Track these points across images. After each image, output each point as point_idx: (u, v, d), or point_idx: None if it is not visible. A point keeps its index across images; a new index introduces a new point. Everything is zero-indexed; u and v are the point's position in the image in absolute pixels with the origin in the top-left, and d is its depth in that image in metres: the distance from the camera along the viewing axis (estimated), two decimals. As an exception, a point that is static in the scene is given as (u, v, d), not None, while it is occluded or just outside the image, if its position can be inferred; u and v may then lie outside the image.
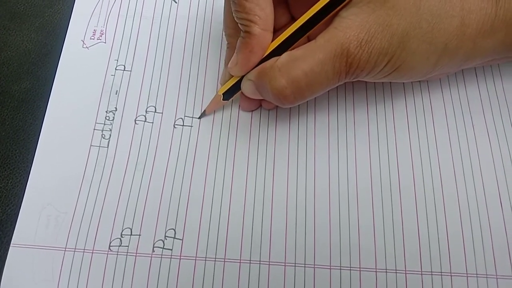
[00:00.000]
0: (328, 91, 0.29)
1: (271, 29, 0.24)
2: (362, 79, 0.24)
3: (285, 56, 0.23)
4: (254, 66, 0.25)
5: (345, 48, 0.22)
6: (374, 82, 0.30)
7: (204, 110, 0.29)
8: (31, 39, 0.32)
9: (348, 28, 0.22)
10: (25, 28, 0.33)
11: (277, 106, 0.29)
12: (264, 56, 0.24)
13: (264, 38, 0.24)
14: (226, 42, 0.28)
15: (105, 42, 0.31)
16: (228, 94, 0.27)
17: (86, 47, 0.31)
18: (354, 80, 0.24)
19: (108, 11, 0.32)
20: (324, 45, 0.22)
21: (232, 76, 0.26)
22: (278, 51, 0.24)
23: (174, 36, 0.32)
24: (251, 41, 0.24)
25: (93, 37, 0.31)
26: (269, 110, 0.29)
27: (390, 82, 0.30)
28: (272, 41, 0.25)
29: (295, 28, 0.24)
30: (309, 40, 0.23)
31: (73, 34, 0.31)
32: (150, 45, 0.31)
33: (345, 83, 0.29)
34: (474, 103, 0.29)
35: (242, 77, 0.26)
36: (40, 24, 0.33)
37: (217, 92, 0.27)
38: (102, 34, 0.31)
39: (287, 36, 0.24)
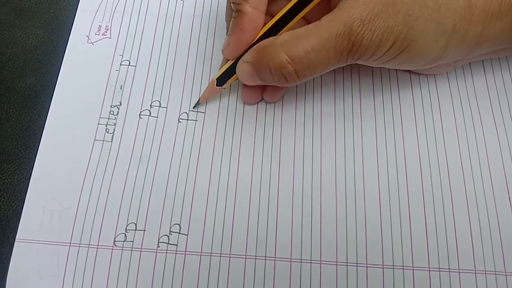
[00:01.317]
0: (335, 86, 0.29)
1: (263, 10, 0.24)
2: (370, 63, 0.24)
3: (287, 34, 0.23)
4: (246, 47, 0.25)
5: (348, 26, 0.22)
6: (381, 76, 0.29)
7: (199, 99, 0.28)
8: (37, 36, 0.32)
9: (352, 7, 0.22)
10: (30, 24, 0.33)
11: (279, 99, 0.28)
12: (257, 38, 0.24)
13: (256, 18, 0.24)
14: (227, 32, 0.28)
15: (110, 38, 0.31)
16: (221, 79, 0.27)
17: (91, 43, 0.31)
18: (360, 61, 0.24)
19: (113, 7, 0.32)
20: (327, 24, 0.22)
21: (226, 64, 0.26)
22: (272, 33, 0.24)
23: (179, 32, 0.31)
24: (242, 20, 0.24)
25: (98, 33, 0.31)
26: (272, 103, 0.29)
27: (397, 76, 0.29)
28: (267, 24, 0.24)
29: (289, 7, 0.24)
30: (307, 23, 0.23)
31: (78, 29, 0.31)
32: (155, 41, 0.31)
33: (351, 76, 0.29)
34: (482, 97, 0.29)
35: (237, 61, 0.25)
36: (46, 20, 0.33)
37: (212, 79, 0.27)
38: (107, 29, 0.31)
39: (280, 16, 0.24)
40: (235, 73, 0.26)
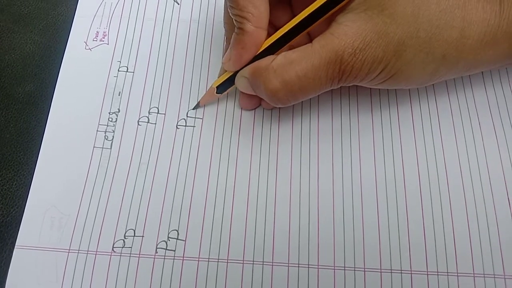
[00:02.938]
0: (332, 91, 0.29)
1: (265, 27, 0.24)
2: (359, 84, 0.24)
3: (280, 57, 0.23)
4: (247, 62, 0.25)
5: (339, 55, 0.22)
6: (379, 92, 0.30)
7: (198, 102, 0.29)
8: (35, 42, 0.32)
9: (344, 35, 0.22)
10: (29, 30, 0.33)
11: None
12: (258, 53, 0.25)
13: (257, 36, 0.24)
14: (225, 38, 0.28)
15: (107, 44, 0.31)
16: (221, 88, 0.27)
17: (89, 49, 0.31)
18: (349, 85, 0.24)
19: (111, 13, 0.32)
20: (319, 50, 0.22)
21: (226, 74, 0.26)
22: (273, 49, 0.24)
23: (177, 38, 0.32)
24: (243, 38, 0.24)
25: (95, 39, 0.31)
26: (270, 109, 0.29)
27: (396, 92, 0.29)
28: (269, 37, 0.24)
29: (291, 27, 0.24)
30: (310, 37, 0.23)
31: (75, 35, 0.31)
32: (152, 47, 0.31)
33: (349, 86, 0.29)
34: (482, 106, 0.29)
35: (237, 72, 0.26)
36: (44, 26, 0.33)
37: (212, 85, 0.27)
38: (104, 35, 0.31)
39: (282, 34, 0.24)
40: (234, 83, 0.26)
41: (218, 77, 0.28)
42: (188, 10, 0.33)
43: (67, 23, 0.32)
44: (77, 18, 0.32)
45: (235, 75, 0.26)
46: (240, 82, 0.25)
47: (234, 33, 0.24)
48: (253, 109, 0.29)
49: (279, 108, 0.29)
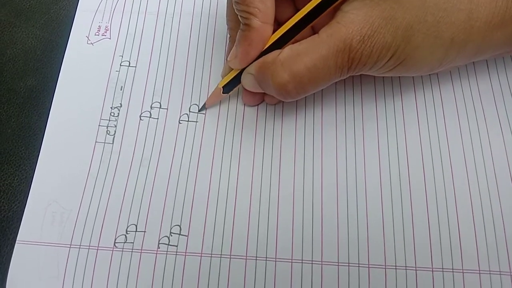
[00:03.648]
0: (336, 84, 0.29)
1: (272, 22, 0.24)
2: (367, 73, 0.24)
3: (287, 50, 0.23)
4: (254, 59, 0.24)
5: (347, 43, 0.22)
6: (383, 81, 0.29)
7: (205, 103, 0.28)
8: (37, 36, 0.32)
9: (351, 22, 0.22)
10: (30, 25, 0.33)
11: (280, 101, 0.28)
12: (264, 49, 0.24)
13: (264, 31, 0.24)
14: (228, 35, 0.27)
15: (109, 38, 0.31)
16: (228, 87, 0.27)
17: (91, 43, 0.31)
18: (357, 74, 0.24)
19: (113, 7, 0.32)
20: (326, 40, 0.22)
21: (232, 69, 0.26)
22: (279, 44, 0.24)
23: (179, 32, 0.31)
24: (250, 34, 0.23)
25: (97, 33, 0.31)
26: (274, 105, 0.29)
27: (400, 80, 0.29)
28: (274, 33, 0.24)
29: (296, 21, 0.23)
30: (313, 31, 0.23)
31: (77, 30, 0.31)
32: (155, 41, 0.31)
33: (352, 76, 0.29)
34: (486, 94, 0.28)
35: (242, 70, 0.25)
36: (46, 21, 0.33)
37: (217, 85, 0.27)
38: (106, 30, 0.31)
39: (287, 28, 0.24)
40: (240, 82, 0.26)
41: (222, 76, 0.27)
42: (190, 4, 0.32)
43: (69, 18, 0.32)
44: (79, 13, 0.32)
45: (241, 74, 0.25)
46: (247, 80, 0.25)
47: (240, 30, 0.24)
48: (256, 105, 0.29)
49: (282, 103, 0.28)
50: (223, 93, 0.27)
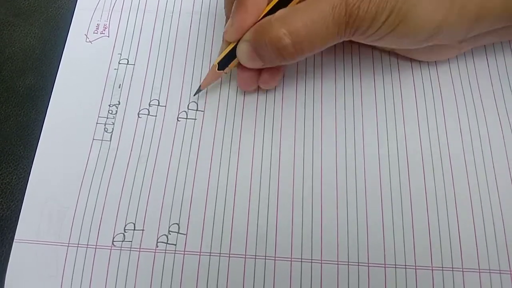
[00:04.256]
0: (335, 72, 0.29)
1: None
2: (368, 40, 0.24)
3: (284, 9, 0.23)
4: (249, 28, 0.24)
5: None
6: (382, 65, 0.29)
7: (200, 85, 0.28)
8: (35, 35, 0.32)
9: None
10: (29, 24, 0.32)
11: (275, 85, 0.28)
12: (260, 18, 0.24)
13: None
14: (225, 18, 0.28)
15: (108, 36, 0.31)
16: (223, 62, 0.26)
17: (89, 41, 0.31)
18: (358, 37, 0.23)
19: (112, 5, 0.32)
20: None
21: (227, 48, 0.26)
22: (274, 12, 0.24)
23: (178, 30, 0.31)
24: (246, 2, 0.24)
25: (96, 31, 0.31)
26: (268, 89, 0.28)
27: (398, 66, 0.29)
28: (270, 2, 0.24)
29: None
30: None
31: (76, 28, 0.31)
32: (153, 39, 0.31)
33: (351, 59, 0.29)
34: (483, 79, 0.28)
35: (237, 44, 0.25)
36: (44, 19, 0.33)
37: (214, 63, 0.27)
38: (105, 28, 0.31)
39: None
40: (236, 56, 0.26)
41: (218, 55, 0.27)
42: (189, 2, 0.32)
43: (67, 16, 0.32)
44: (77, 11, 0.32)
45: (236, 47, 0.25)
46: (242, 49, 0.25)
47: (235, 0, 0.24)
48: (251, 90, 0.28)
49: (281, 101, 0.28)
50: (218, 69, 0.27)
